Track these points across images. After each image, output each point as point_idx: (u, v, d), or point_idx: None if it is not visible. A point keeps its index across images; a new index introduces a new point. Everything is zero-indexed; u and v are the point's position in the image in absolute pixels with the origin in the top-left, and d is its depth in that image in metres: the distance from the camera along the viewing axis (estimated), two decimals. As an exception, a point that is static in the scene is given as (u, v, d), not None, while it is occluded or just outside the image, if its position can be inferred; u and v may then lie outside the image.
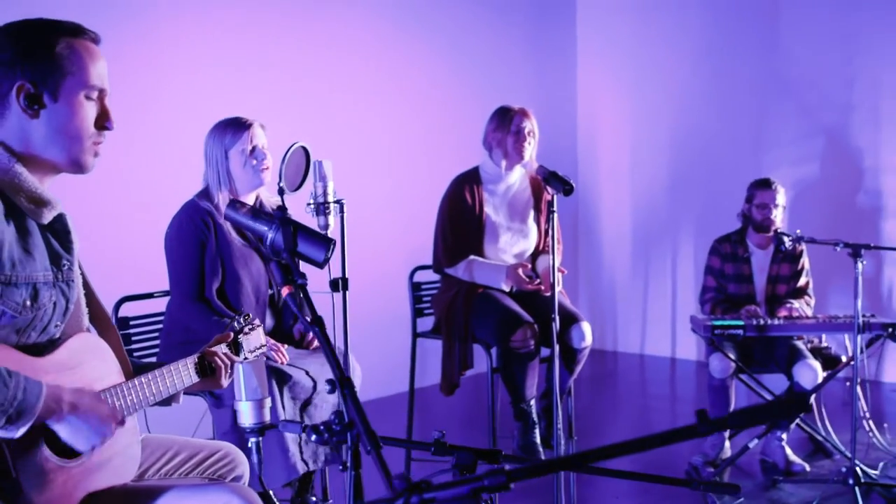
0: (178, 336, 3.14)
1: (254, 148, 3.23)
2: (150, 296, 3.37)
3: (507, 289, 3.89)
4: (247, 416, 1.72)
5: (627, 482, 4.28)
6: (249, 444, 1.72)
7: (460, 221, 3.89)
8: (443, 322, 3.90)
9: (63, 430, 1.72)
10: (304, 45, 5.40)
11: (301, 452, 3.00)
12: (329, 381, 1.40)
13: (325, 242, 1.58)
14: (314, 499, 3.03)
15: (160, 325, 3.33)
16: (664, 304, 7.11)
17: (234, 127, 3.23)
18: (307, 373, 3.13)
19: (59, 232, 1.87)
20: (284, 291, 1.48)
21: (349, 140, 5.50)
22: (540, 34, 7.11)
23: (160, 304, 3.39)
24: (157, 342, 3.32)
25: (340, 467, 1.38)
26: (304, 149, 2.89)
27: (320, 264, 1.58)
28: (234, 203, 1.64)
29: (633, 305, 7.30)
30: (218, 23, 4.96)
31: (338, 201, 2.81)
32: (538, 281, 3.84)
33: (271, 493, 1.85)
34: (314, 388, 3.14)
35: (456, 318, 3.81)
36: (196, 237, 3.17)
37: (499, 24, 6.71)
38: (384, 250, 5.61)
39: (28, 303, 1.74)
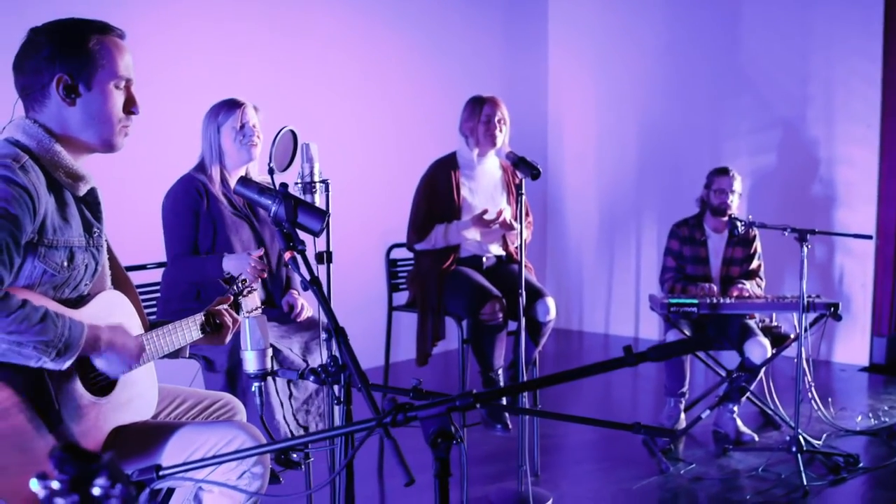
0: (176, 304, 3.37)
1: (243, 125, 3.46)
2: (143, 267, 3.59)
3: (478, 237, 4.14)
4: (251, 363, 1.97)
5: (589, 449, 4.57)
6: (253, 389, 1.96)
7: (434, 203, 4.13)
8: (417, 297, 4.14)
9: (100, 362, 2.01)
10: (293, 36, 5.62)
11: (286, 422, 3.24)
12: (326, 330, 1.64)
13: (321, 214, 1.82)
14: (294, 455, 3.25)
15: (152, 294, 3.55)
16: (628, 285, 7.40)
17: (228, 106, 3.48)
18: (290, 350, 3.36)
19: (90, 203, 2.13)
20: (287, 255, 1.73)
21: (330, 125, 5.73)
22: (512, 25, 7.36)
23: (152, 275, 3.61)
24: (153, 310, 3.53)
25: (335, 402, 1.63)
26: (293, 132, 3.11)
27: (316, 233, 1.82)
28: (244, 179, 1.89)
29: (599, 287, 7.59)
30: (213, 16, 5.18)
31: (323, 181, 3.04)
32: (501, 218, 4.07)
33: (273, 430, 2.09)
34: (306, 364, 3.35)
35: (429, 292, 4.06)
36: (190, 207, 3.39)
37: (473, 15, 6.94)
38: (362, 229, 5.86)
39: (65, 264, 2.00)
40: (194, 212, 3.39)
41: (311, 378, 1.66)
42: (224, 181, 3.50)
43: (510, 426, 3.91)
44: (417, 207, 4.18)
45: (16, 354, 1.82)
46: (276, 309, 3.54)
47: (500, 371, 4.02)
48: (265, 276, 3.31)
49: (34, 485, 0.88)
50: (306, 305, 3.55)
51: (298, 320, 3.52)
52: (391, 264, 4.47)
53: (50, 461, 0.87)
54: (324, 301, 1.66)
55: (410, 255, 4.37)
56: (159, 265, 3.57)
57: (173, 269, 3.43)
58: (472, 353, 4.01)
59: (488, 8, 7.11)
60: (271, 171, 3.02)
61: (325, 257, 3.03)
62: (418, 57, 6.49)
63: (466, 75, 6.73)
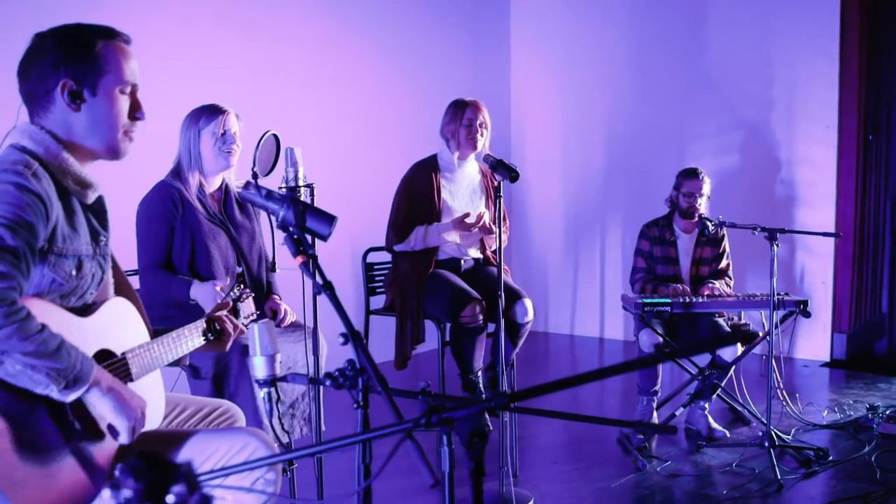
0: (159, 311, 3.33)
1: (224, 132, 3.42)
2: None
3: (458, 240, 4.16)
4: (261, 369, 1.96)
5: (564, 449, 4.60)
6: (262, 395, 1.95)
7: (414, 204, 4.14)
8: (396, 300, 4.14)
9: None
10: (264, 42, 5.58)
11: (279, 426, 3.23)
12: (342, 335, 1.64)
13: (330, 219, 1.82)
14: (280, 464, 3.24)
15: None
16: (593, 287, 7.47)
17: (210, 111, 3.44)
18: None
19: (97, 211, 2.10)
20: (298, 261, 1.73)
21: (302, 129, 5.69)
22: (475, 28, 7.38)
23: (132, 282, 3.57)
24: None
25: (355, 405, 1.63)
26: (276, 136, 3.11)
27: (325, 238, 1.82)
28: (249, 184, 1.88)
29: (564, 288, 7.64)
30: (189, 23, 5.14)
31: (308, 185, 3.03)
32: (482, 222, 4.09)
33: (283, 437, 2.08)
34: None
35: (409, 296, 4.06)
36: (164, 216, 3.35)
37: (436, 18, 6.96)
38: (337, 232, 5.82)
39: (74, 272, 1.97)
40: (168, 222, 3.35)
41: (328, 383, 1.65)
42: (200, 187, 3.47)
43: (491, 428, 3.92)
44: (398, 209, 4.18)
45: (27, 378, 1.79)
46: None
47: (479, 373, 4.04)
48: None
49: (105, 494, 0.87)
50: (289, 311, 3.53)
51: (283, 326, 3.50)
52: (368, 268, 4.47)
53: (125, 470, 0.87)
54: (337, 305, 1.66)
55: (387, 258, 4.38)
56: (135, 272, 3.53)
57: (142, 280, 3.40)
58: (452, 355, 4.03)
59: (451, 10, 7.13)
60: (255, 176, 3.02)
61: (309, 262, 3.02)
62: (385, 60, 6.49)
63: (430, 79, 6.75)
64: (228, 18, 5.39)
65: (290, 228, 1.79)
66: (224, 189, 3.57)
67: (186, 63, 5.09)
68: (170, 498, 0.86)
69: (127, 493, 0.87)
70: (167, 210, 3.34)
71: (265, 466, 2.05)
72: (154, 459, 0.87)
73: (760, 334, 4.69)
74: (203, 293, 3.18)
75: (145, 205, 3.41)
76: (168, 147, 3.56)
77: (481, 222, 4.05)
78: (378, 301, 4.46)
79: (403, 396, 1.85)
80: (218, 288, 3.16)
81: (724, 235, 4.91)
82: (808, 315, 4.40)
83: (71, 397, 1.85)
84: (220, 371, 3.13)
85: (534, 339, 7.52)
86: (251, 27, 5.52)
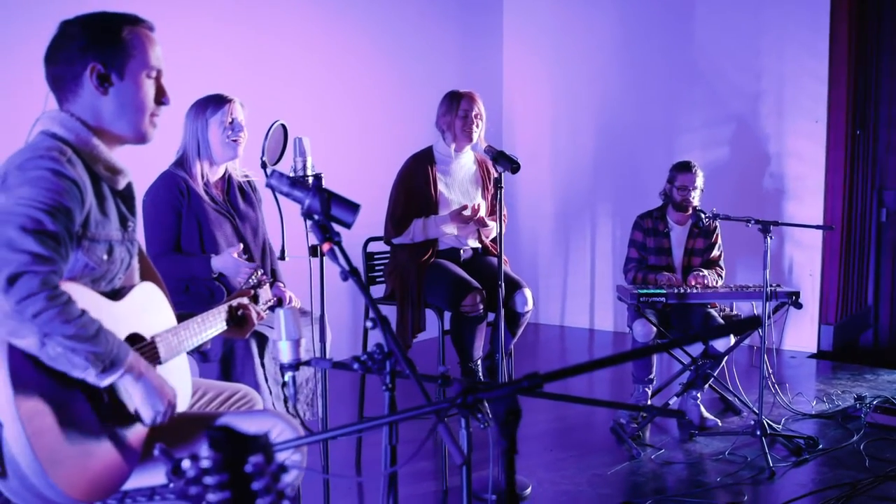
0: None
1: (232, 121, 3.47)
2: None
3: (455, 232, 4.20)
4: (286, 353, 2.00)
5: (558, 437, 4.66)
6: (286, 378, 2.00)
7: (411, 197, 4.18)
8: (397, 289, 4.19)
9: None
10: (253, 33, 5.59)
11: (286, 408, 3.28)
12: (371, 320, 1.69)
13: (354, 207, 1.87)
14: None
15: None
16: (583, 278, 7.53)
17: (216, 101, 3.48)
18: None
19: (126, 197, 2.15)
20: (325, 247, 1.78)
21: (299, 121, 5.71)
22: (468, 20, 7.42)
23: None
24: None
25: (384, 388, 1.68)
26: (284, 126, 3.15)
27: (349, 225, 1.87)
28: (275, 173, 1.93)
29: (554, 279, 7.70)
30: (189, 14, 5.15)
31: (316, 175, 3.07)
32: (479, 215, 4.13)
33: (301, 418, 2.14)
34: None
35: (409, 285, 4.11)
36: (171, 205, 3.38)
37: (429, 9, 6.99)
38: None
39: (105, 257, 2.02)
40: (176, 210, 3.39)
41: (356, 366, 1.70)
42: (205, 177, 3.51)
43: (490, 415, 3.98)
44: (395, 202, 4.22)
45: (66, 361, 1.83)
46: None
47: (479, 362, 4.10)
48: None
49: (185, 464, 0.92)
50: (294, 297, 3.57)
51: None
52: (368, 258, 4.51)
53: (205, 441, 0.92)
54: (364, 290, 1.71)
55: (387, 248, 4.42)
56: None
57: (156, 267, 3.42)
58: (452, 344, 4.08)
59: (444, 2, 7.16)
60: (264, 165, 3.06)
61: (318, 250, 3.07)
62: (378, 52, 6.51)
63: (422, 71, 6.78)
64: (222, 9, 5.40)
65: (316, 216, 1.83)
66: (227, 178, 3.61)
67: (181, 53, 5.09)
68: (248, 468, 0.91)
69: (206, 462, 0.91)
70: (174, 198, 3.38)
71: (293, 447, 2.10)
72: (236, 433, 0.92)
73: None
74: (226, 264, 3.24)
75: (151, 194, 3.44)
76: (169, 136, 3.58)
77: (477, 215, 4.10)
78: (378, 290, 4.50)
79: (427, 380, 1.90)
80: (235, 254, 3.21)
81: (716, 227, 4.98)
82: (799, 306, 4.47)
83: (106, 381, 1.90)
84: (227, 353, 3.18)
85: (524, 329, 7.57)
86: (243, 18, 5.52)
